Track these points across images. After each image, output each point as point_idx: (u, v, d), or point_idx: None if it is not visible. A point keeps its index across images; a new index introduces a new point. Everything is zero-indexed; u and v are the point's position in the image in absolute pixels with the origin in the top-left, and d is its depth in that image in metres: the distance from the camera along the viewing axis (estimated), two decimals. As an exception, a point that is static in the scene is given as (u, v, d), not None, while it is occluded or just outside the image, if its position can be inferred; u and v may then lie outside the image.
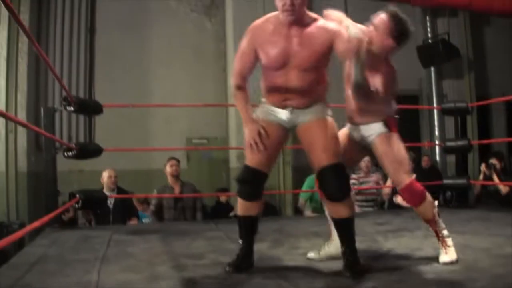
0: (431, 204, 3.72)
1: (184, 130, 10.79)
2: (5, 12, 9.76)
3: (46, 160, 6.32)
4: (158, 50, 10.94)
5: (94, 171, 8.25)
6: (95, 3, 10.88)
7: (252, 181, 3.60)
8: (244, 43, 3.56)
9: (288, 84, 3.48)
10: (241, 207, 3.68)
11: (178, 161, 7.88)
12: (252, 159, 3.55)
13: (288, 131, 3.69)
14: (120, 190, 7.68)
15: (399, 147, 3.74)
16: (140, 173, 10.14)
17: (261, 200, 3.70)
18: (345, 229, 3.56)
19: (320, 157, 3.47)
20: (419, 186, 3.73)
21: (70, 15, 10.54)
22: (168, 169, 7.73)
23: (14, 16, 3.11)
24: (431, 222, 3.75)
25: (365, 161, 8.25)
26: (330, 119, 3.59)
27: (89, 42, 10.70)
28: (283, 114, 3.58)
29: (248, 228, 3.69)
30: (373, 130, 3.76)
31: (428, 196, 3.72)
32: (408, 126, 11.68)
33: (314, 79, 3.50)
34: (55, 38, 10.43)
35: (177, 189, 7.62)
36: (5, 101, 9.61)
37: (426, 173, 9.26)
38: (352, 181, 8.31)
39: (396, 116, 3.88)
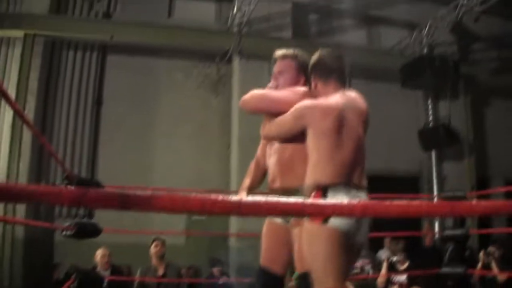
0: None
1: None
2: (13, 81, 9.97)
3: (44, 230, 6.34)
4: (164, 122, 11.05)
5: (91, 242, 8.27)
6: (104, 74, 11.05)
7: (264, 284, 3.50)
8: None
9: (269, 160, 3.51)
10: None
11: (163, 241, 7.90)
12: (262, 258, 3.52)
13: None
14: (114, 269, 7.70)
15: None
16: (139, 247, 10.13)
17: None
18: None
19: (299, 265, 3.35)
20: None
21: (78, 85, 10.70)
22: (152, 249, 7.75)
23: (16, 110, 3.20)
24: None
25: None
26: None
27: (95, 114, 10.83)
28: None
29: None
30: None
31: None
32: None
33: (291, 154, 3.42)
34: (62, 108, 10.56)
35: (161, 270, 7.63)
36: (6, 170, 9.65)
37: (428, 253, 9.30)
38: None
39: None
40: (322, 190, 3.17)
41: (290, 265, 3.52)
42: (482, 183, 12.38)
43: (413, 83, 11.75)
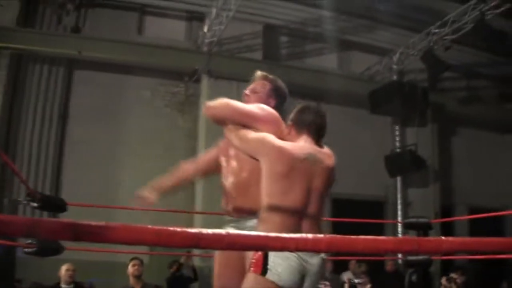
0: None
1: (150, 214, 10.63)
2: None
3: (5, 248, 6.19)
4: (130, 141, 10.91)
5: (54, 258, 8.11)
6: (70, 89, 10.88)
7: None
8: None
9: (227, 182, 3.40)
10: None
11: (141, 261, 7.77)
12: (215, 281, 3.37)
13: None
14: (77, 285, 7.55)
15: None
16: (102, 263, 9.94)
17: None
18: None
19: None
20: None
21: (43, 100, 10.52)
22: (130, 269, 7.61)
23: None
24: None
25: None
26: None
27: (61, 129, 10.65)
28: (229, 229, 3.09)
29: None
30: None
31: None
32: (372, 233, 11.74)
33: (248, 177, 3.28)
34: (27, 122, 10.37)
35: (138, 290, 7.50)
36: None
37: (390, 278, 9.30)
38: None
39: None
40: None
41: None
42: (446, 210, 12.46)
43: (382, 109, 11.81)
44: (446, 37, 11.01)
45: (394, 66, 12.15)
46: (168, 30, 11.40)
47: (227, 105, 3.29)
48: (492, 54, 13.26)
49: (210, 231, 1.41)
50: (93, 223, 1.32)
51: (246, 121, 3.27)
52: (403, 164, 11.67)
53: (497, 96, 14.39)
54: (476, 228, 12.60)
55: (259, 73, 3.63)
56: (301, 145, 3.27)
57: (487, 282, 10.80)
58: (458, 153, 13.53)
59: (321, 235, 1.58)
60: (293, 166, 3.12)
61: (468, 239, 1.80)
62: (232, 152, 3.36)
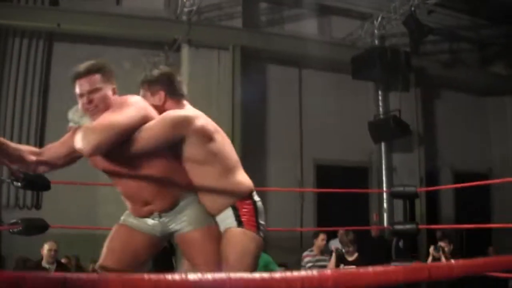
0: None
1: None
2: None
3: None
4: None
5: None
6: (50, 63, 10.80)
7: None
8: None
9: (127, 188, 3.19)
10: None
11: None
12: (103, 259, 3.22)
13: (161, 241, 3.34)
14: (59, 265, 7.51)
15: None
16: (86, 236, 9.95)
17: None
18: None
19: None
20: None
21: (24, 74, 10.41)
22: None
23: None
24: None
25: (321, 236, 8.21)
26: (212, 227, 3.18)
27: (42, 103, 10.58)
28: (151, 222, 3.21)
29: None
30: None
31: None
32: (357, 200, 11.80)
33: (160, 171, 3.09)
34: (8, 96, 10.29)
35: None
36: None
37: (376, 245, 9.34)
38: (306, 260, 8.27)
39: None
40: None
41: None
42: (430, 175, 12.50)
43: (364, 75, 11.77)
44: (427, 1, 10.96)
45: (376, 31, 12.09)
46: (146, 0, 11.28)
47: (106, 129, 2.90)
48: (474, 17, 13.25)
49: (210, 277, 1.33)
50: (84, 276, 1.25)
51: (133, 131, 2.99)
52: (387, 130, 11.67)
53: (479, 59, 14.39)
54: (462, 194, 12.69)
55: (81, 69, 3.22)
56: (191, 108, 3.32)
57: (474, 248, 10.83)
58: (441, 117, 13.56)
59: (328, 271, 1.52)
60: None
61: (479, 260, 1.77)
62: (119, 158, 3.05)
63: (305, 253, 8.29)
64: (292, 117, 11.87)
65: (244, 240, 3.09)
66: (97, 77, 3.14)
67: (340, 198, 10.45)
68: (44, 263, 7.25)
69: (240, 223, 3.11)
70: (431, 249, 8.33)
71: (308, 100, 11.97)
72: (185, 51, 10.79)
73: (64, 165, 3.43)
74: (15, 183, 5.92)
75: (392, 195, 8.10)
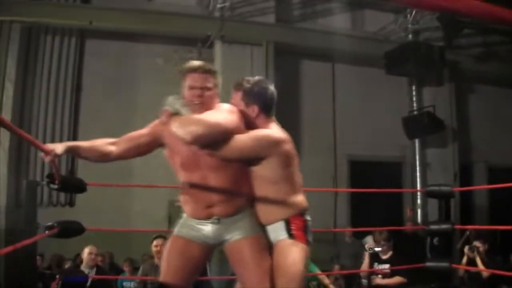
0: None
1: (166, 192, 10.58)
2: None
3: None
4: (144, 109, 10.82)
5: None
6: (82, 60, 10.85)
7: None
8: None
9: (198, 186, 3.31)
10: None
11: (164, 238, 7.53)
12: (164, 275, 3.34)
13: (213, 249, 3.48)
14: (99, 269, 7.39)
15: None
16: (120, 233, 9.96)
17: None
18: None
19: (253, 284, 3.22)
20: None
21: (56, 71, 10.50)
22: (153, 248, 7.32)
23: None
24: None
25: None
26: (262, 236, 3.32)
27: (75, 100, 10.62)
28: (206, 228, 3.33)
29: None
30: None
31: None
32: (391, 195, 11.68)
33: (233, 178, 3.26)
34: (40, 95, 10.36)
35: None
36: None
37: (411, 244, 9.23)
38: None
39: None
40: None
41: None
42: (464, 169, 12.35)
43: (398, 70, 11.64)
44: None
45: (409, 25, 11.95)
46: (178, -4, 11.25)
47: (212, 126, 3.10)
48: (507, 9, 13.02)
49: None
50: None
51: (227, 135, 3.16)
52: (421, 126, 11.56)
53: (513, 52, 14.18)
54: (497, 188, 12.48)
55: (200, 65, 3.40)
56: (278, 129, 3.42)
57: (507, 249, 10.64)
58: (475, 112, 13.38)
59: None
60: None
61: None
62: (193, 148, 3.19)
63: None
64: (326, 113, 11.79)
65: (295, 250, 3.25)
66: (213, 79, 3.35)
67: (374, 193, 10.39)
68: (84, 267, 7.15)
69: (291, 236, 3.27)
70: (466, 249, 8.17)
71: (341, 95, 11.89)
72: (218, 47, 10.73)
73: (134, 156, 3.68)
74: (51, 185, 5.87)
75: (428, 195, 7.95)
